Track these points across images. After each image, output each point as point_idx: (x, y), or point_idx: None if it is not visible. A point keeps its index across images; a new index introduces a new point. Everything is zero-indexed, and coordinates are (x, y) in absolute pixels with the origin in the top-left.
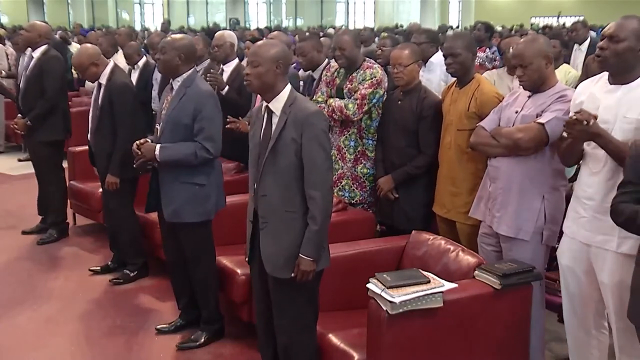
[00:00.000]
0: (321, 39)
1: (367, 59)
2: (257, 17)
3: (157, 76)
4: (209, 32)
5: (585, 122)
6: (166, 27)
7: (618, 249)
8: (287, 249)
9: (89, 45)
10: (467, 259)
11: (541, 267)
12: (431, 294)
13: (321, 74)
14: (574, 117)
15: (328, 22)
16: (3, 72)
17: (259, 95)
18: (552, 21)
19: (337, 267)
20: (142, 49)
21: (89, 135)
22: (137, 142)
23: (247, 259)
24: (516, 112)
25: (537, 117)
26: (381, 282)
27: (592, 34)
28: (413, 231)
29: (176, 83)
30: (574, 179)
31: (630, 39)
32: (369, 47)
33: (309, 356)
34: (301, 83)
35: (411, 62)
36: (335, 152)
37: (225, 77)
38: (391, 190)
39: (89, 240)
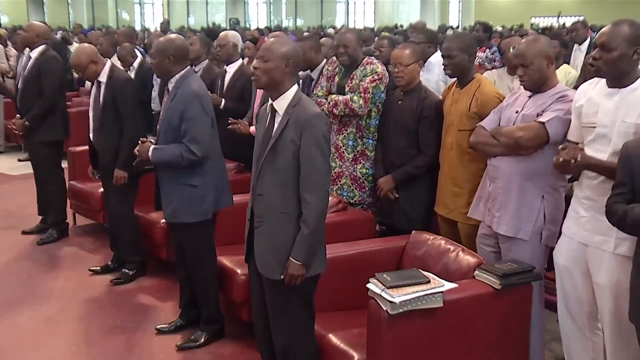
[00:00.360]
0: (322, 39)
1: (367, 56)
2: (257, 17)
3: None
4: (209, 32)
5: (573, 161)
6: (165, 27)
7: (615, 250)
8: (279, 250)
9: (85, 44)
10: (467, 259)
11: (540, 267)
12: (431, 294)
13: (319, 73)
14: (560, 160)
15: (328, 22)
16: (10, 72)
17: (257, 98)
18: (552, 21)
19: (337, 267)
20: (142, 49)
21: (90, 135)
22: (141, 140)
23: (244, 258)
24: (516, 112)
25: (537, 116)
26: (381, 282)
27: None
28: (413, 231)
29: (170, 84)
30: (574, 179)
31: (621, 47)
32: (368, 46)
33: (307, 358)
34: (300, 82)
35: (412, 62)
36: (333, 150)
37: (228, 77)
38: (391, 190)
39: (89, 240)
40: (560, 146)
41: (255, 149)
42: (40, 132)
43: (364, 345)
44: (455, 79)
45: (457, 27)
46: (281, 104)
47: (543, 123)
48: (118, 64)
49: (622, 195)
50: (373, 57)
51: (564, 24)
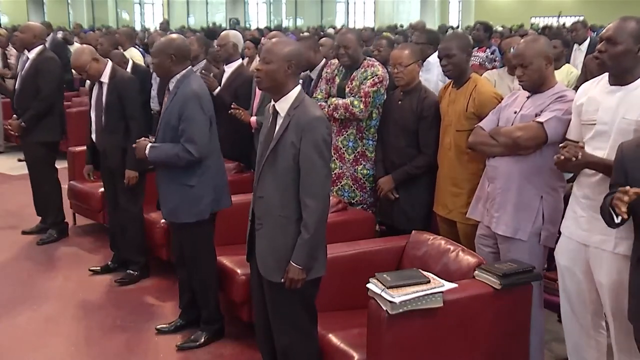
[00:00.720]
0: (321, 39)
1: (367, 57)
2: (257, 17)
3: (156, 76)
4: (209, 32)
5: (573, 159)
6: (165, 27)
7: (615, 249)
8: (279, 253)
9: (84, 45)
10: (467, 259)
11: (539, 268)
12: (431, 294)
13: (319, 73)
14: (562, 157)
15: (328, 22)
16: (10, 73)
17: (257, 97)
18: (552, 21)
19: (337, 267)
20: (142, 49)
21: (93, 136)
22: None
23: (246, 257)
24: (515, 112)
25: (536, 116)
26: (381, 282)
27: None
28: (413, 231)
29: (171, 84)
30: (573, 179)
31: (627, 42)
32: (369, 47)
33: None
34: (299, 82)
35: (411, 62)
36: (332, 151)
37: (225, 77)
38: (391, 190)
39: (89, 240)
40: (561, 144)
41: (258, 149)
42: (37, 133)
43: (364, 345)
44: (451, 79)
45: (457, 27)
46: (283, 106)
47: (541, 123)
48: None
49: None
50: (374, 59)
51: (564, 24)
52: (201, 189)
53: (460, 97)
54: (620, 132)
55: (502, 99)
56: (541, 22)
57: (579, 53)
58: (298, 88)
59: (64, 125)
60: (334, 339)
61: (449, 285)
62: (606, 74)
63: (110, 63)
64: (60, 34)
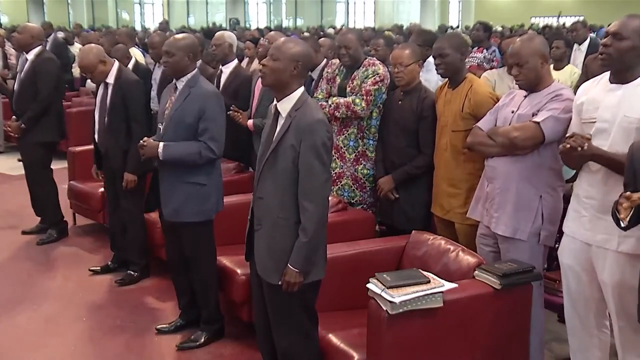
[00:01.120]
0: (321, 39)
1: (368, 57)
2: (257, 17)
3: (156, 76)
4: (207, 32)
5: (579, 149)
6: (164, 27)
7: (618, 248)
8: (278, 255)
9: (92, 45)
10: (467, 259)
11: (539, 268)
12: (431, 294)
13: (320, 74)
14: (568, 146)
15: (328, 22)
16: (9, 74)
17: (255, 97)
18: (552, 21)
19: (337, 267)
20: (141, 49)
21: (95, 137)
22: (142, 139)
23: (245, 256)
24: (512, 112)
25: (533, 116)
26: (381, 282)
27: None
28: (413, 231)
29: (180, 83)
30: (573, 179)
31: (633, 38)
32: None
33: None
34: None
35: (412, 62)
36: (333, 151)
37: (223, 78)
38: (391, 190)
39: (89, 240)
40: (568, 134)
41: (259, 149)
42: (35, 133)
43: (364, 345)
44: (447, 79)
45: (457, 27)
46: (285, 106)
47: (538, 123)
48: None
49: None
50: (375, 58)
51: (564, 24)
52: (210, 187)
53: (456, 98)
54: (621, 130)
55: (498, 99)
56: (541, 22)
57: (579, 53)
58: (301, 89)
59: (62, 126)
60: (334, 339)
61: (449, 285)
62: (606, 73)
63: (117, 64)
64: (61, 34)
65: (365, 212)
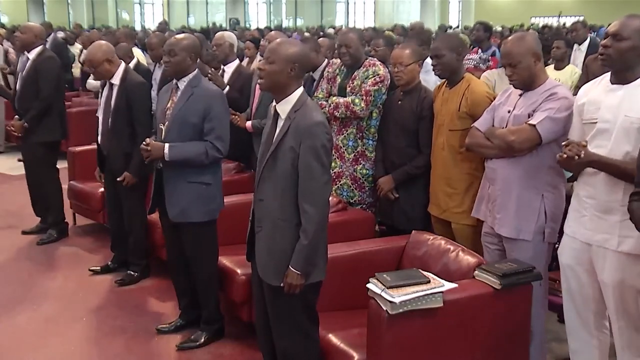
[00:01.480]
0: (320, 39)
1: (369, 57)
2: (257, 17)
3: (156, 76)
4: (205, 32)
5: (576, 157)
6: (163, 27)
7: (618, 247)
8: (278, 257)
9: (102, 42)
10: (467, 259)
11: (544, 266)
12: (431, 294)
13: (321, 74)
14: (564, 155)
15: (328, 22)
16: (7, 69)
17: (256, 98)
18: (553, 21)
19: (337, 267)
20: (141, 50)
21: (98, 138)
22: (145, 140)
23: (246, 256)
24: (509, 112)
25: (529, 116)
26: (381, 282)
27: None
28: (413, 231)
29: (182, 83)
30: (574, 178)
31: (633, 38)
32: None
33: None
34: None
35: (411, 62)
36: (333, 151)
37: (226, 77)
38: (391, 190)
39: (89, 240)
40: (564, 142)
41: (259, 150)
42: (37, 133)
43: (364, 345)
44: (445, 79)
45: (457, 27)
46: (284, 108)
47: (534, 125)
48: None
49: (638, 195)
50: (375, 59)
51: (564, 24)
52: (215, 187)
53: (454, 97)
54: (622, 130)
55: (495, 98)
56: (541, 22)
57: (579, 53)
58: (300, 90)
59: (64, 125)
60: (334, 339)
61: (449, 285)
62: (607, 74)
63: (123, 65)
64: (61, 34)
65: (365, 212)
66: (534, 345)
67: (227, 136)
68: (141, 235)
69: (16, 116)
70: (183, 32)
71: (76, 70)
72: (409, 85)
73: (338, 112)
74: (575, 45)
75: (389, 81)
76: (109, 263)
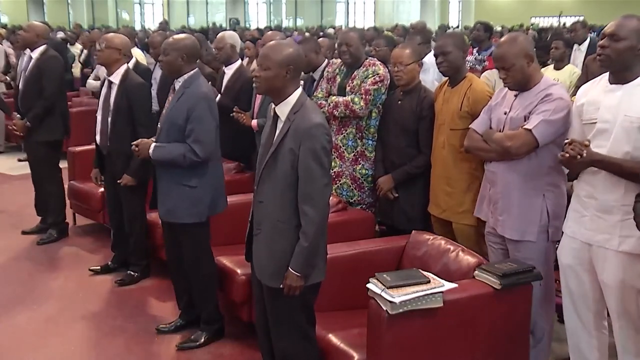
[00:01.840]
0: (320, 39)
1: (369, 57)
2: (257, 17)
3: (156, 76)
4: (204, 31)
5: (578, 157)
6: (164, 27)
7: (619, 247)
8: (278, 259)
9: (124, 36)
10: (467, 259)
11: (550, 265)
12: (431, 294)
13: (321, 74)
14: (566, 155)
15: (328, 22)
16: (8, 76)
17: (257, 99)
18: (553, 21)
19: (337, 267)
20: (141, 49)
21: (97, 137)
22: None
23: (244, 257)
24: (505, 114)
25: (524, 119)
26: (381, 282)
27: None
28: (413, 231)
29: (177, 83)
30: (573, 178)
31: (630, 38)
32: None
33: None
34: (301, 83)
35: (411, 62)
36: (332, 150)
37: (226, 79)
38: (391, 190)
39: (89, 240)
40: (566, 141)
41: (259, 151)
42: (39, 133)
43: (364, 345)
44: (447, 78)
45: (457, 27)
46: (283, 110)
47: (530, 130)
48: None
49: None
50: (375, 59)
51: (564, 24)
52: (202, 190)
53: (455, 96)
54: (622, 130)
55: None
56: (541, 22)
57: (579, 53)
58: (299, 91)
59: (67, 124)
60: (334, 339)
61: (449, 285)
62: (606, 74)
63: (125, 66)
64: (60, 34)
65: (365, 212)
66: (541, 347)
67: (207, 139)
68: (141, 236)
69: (18, 115)
70: (183, 32)
71: (76, 70)
72: (409, 85)
73: (337, 111)
74: (575, 46)
75: (389, 81)
76: (109, 263)
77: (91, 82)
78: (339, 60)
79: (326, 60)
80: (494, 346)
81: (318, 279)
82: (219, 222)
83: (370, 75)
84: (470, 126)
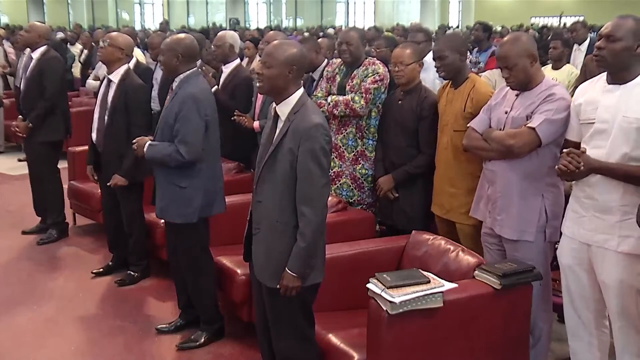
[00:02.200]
0: (319, 39)
1: (369, 57)
2: (257, 17)
3: (157, 76)
4: (204, 31)
5: (576, 170)
6: (164, 27)
7: (618, 247)
8: (275, 259)
9: (126, 35)
10: (467, 259)
11: (547, 265)
12: (431, 294)
13: (320, 74)
14: (564, 168)
15: (328, 22)
16: (8, 68)
17: (258, 100)
18: (553, 21)
19: (337, 267)
20: (142, 49)
21: (93, 134)
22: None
23: (243, 257)
24: (505, 113)
25: (526, 118)
26: (381, 282)
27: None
28: (413, 231)
29: (174, 83)
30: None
31: (627, 38)
32: (371, 46)
33: None
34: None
35: (412, 62)
36: (332, 150)
37: (223, 77)
38: (391, 190)
39: (89, 240)
40: (564, 151)
41: (259, 151)
42: (40, 133)
43: (364, 345)
44: (447, 80)
45: (457, 27)
46: (284, 110)
47: (533, 128)
48: None
49: None
50: (375, 58)
51: (564, 24)
52: (191, 191)
53: (458, 97)
54: (621, 131)
55: None
56: (541, 22)
57: (579, 53)
58: (300, 92)
59: (68, 124)
60: (334, 339)
61: (449, 285)
62: (604, 74)
63: (126, 66)
64: (61, 35)
65: (365, 212)
66: (540, 347)
67: (192, 139)
68: (141, 236)
69: (20, 116)
70: (183, 32)
71: (76, 70)
72: (410, 84)
73: (337, 110)
74: (575, 46)
75: (389, 80)
76: (110, 263)
77: (91, 82)
78: (339, 60)
79: (326, 60)
80: (494, 346)
81: (316, 280)
82: (219, 222)
83: (370, 74)
84: (469, 125)
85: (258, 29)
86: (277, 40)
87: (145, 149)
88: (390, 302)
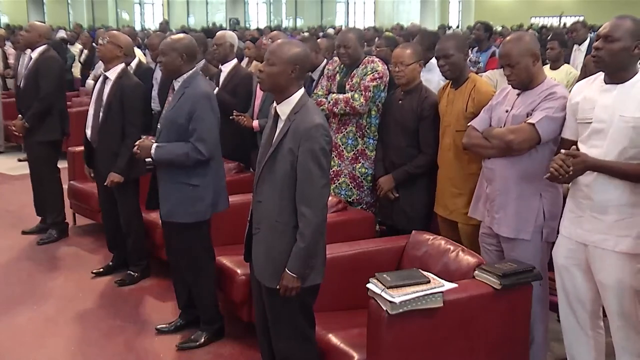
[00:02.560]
0: (319, 40)
1: (368, 55)
2: (257, 17)
3: (157, 76)
4: (207, 31)
5: (566, 175)
6: (164, 27)
7: (616, 247)
8: (275, 260)
9: (128, 37)
10: (467, 259)
11: (544, 265)
12: (431, 294)
13: (320, 74)
14: (555, 172)
15: (328, 22)
16: (10, 72)
17: (258, 98)
18: (553, 21)
19: (337, 267)
20: (143, 50)
21: (88, 132)
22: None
23: (243, 257)
24: (506, 112)
25: (527, 116)
26: (381, 282)
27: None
28: (413, 231)
29: (177, 83)
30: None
31: (625, 39)
32: (370, 46)
33: None
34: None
35: (412, 62)
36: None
37: (222, 77)
38: (391, 190)
39: (89, 240)
40: (562, 152)
41: (259, 151)
42: (38, 132)
43: (364, 345)
44: (450, 79)
45: (457, 27)
46: (284, 109)
47: (533, 124)
48: None
49: None
50: (374, 56)
51: (564, 24)
52: (203, 189)
53: (459, 97)
54: (618, 130)
55: None
56: (541, 22)
57: (579, 53)
58: (301, 91)
59: (65, 125)
60: (334, 339)
61: (449, 285)
62: (600, 74)
63: (123, 65)
64: (61, 34)
65: (365, 212)
66: (536, 346)
67: (210, 137)
68: (140, 236)
69: (19, 115)
70: (183, 32)
71: (76, 70)
72: (410, 84)
73: (337, 108)
74: (575, 46)
75: (388, 78)
76: (110, 263)
77: (90, 83)
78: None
79: (325, 60)
80: (494, 346)
81: (316, 281)
82: (220, 221)
83: (369, 72)
84: (469, 124)
85: (258, 29)
86: (281, 39)
87: (153, 151)
88: (390, 302)
